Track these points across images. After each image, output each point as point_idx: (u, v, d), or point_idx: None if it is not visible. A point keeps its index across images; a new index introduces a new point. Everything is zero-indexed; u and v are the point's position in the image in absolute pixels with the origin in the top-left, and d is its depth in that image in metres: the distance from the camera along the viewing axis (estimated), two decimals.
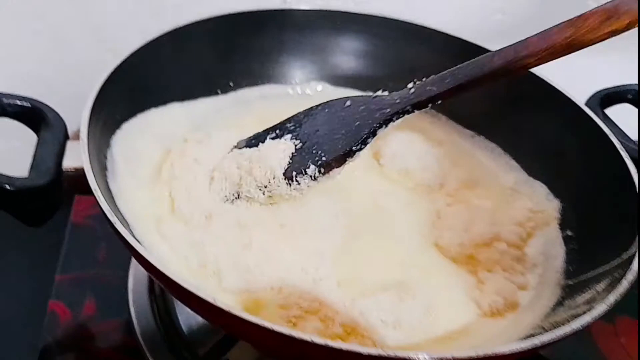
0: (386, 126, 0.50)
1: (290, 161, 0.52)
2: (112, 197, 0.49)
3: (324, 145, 0.51)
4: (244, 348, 0.53)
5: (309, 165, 0.50)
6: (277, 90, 0.70)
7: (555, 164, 0.58)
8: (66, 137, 0.51)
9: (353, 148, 0.50)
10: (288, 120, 0.56)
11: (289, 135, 0.54)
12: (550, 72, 0.60)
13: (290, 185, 0.51)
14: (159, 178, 0.56)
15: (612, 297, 0.40)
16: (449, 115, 0.67)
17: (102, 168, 0.50)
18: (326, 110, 0.54)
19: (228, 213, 0.52)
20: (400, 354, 0.35)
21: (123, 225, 0.42)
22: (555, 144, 0.58)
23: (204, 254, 0.49)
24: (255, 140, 0.55)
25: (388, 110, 0.50)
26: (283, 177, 0.51)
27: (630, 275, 0.41)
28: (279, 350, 0.41)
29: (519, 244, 0.53)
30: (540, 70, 0.61)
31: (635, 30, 0.42)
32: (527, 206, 0.56)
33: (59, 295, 0.60)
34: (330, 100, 0.54)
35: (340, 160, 0.50)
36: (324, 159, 0.50)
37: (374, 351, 0.34)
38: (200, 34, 0.63)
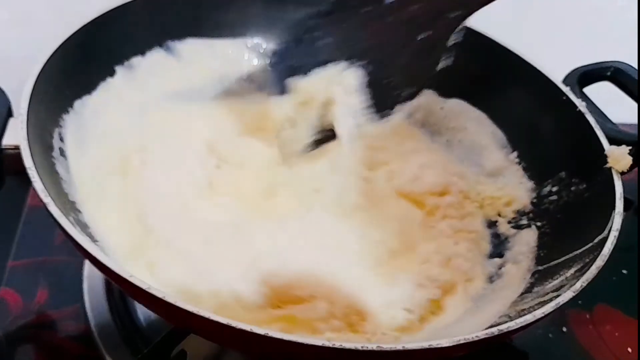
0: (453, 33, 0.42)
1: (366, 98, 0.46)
2: (58, 179, 0.47)
3: (396, 73, 0.44)
4: (198, 338, 0.50)
5: (391, 105, 0.45)
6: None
7: (532, 144, 0.55)
8: (10, 114, 0.49)
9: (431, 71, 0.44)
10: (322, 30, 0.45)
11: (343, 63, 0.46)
12: (531, 47, 0.58)
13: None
14: (121, 164, 0.54)
15: (579, 284, 0.38)
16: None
17: (46, 147, 0.47)
18: (365, 16, 0.44)
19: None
20: (348, 345, 0.33)
21: (61, 209, 0.39)
22: (532, 123, 0.56)
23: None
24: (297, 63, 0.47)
25: (456, 13, 0.41)
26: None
27: (600, 261, 0.39)
28: (224, 341, 0.38)
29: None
30: (518, 47, 0.58)
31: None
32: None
33: (10, 282, 0.57)
34: None
35: (420, 88, 0.44)
36: (404, 92, 0.44)
37: (315, 341, 0.32)
38: (162, 7, 0.60)
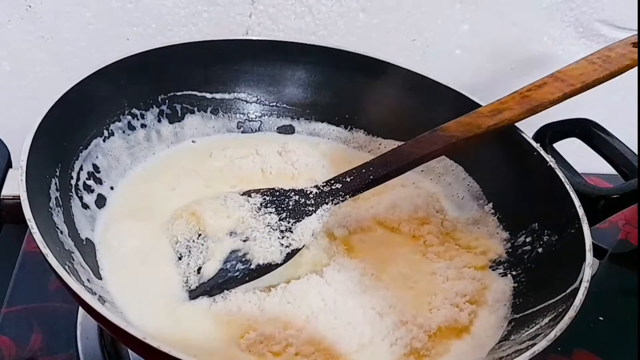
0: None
1: None
2: (54, 229, 0.48)
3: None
4: None
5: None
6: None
7: (506, 196, 0.58)
8: (9, 165, 0.51)
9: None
10: None
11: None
12: None
13: None
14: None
15: (553, 334, 0.40)
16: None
17: (43, 197, 0.49)
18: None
19: None
20: None
21: (58, 260, 0.41)
22: (505, 176, 0.58)
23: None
24: None
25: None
26: None
27: (572, 311, 0.41)
28: None
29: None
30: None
31: None
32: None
33: (3, 329, 0.58)
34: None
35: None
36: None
37: None
38: (157, 63, 0.62)
